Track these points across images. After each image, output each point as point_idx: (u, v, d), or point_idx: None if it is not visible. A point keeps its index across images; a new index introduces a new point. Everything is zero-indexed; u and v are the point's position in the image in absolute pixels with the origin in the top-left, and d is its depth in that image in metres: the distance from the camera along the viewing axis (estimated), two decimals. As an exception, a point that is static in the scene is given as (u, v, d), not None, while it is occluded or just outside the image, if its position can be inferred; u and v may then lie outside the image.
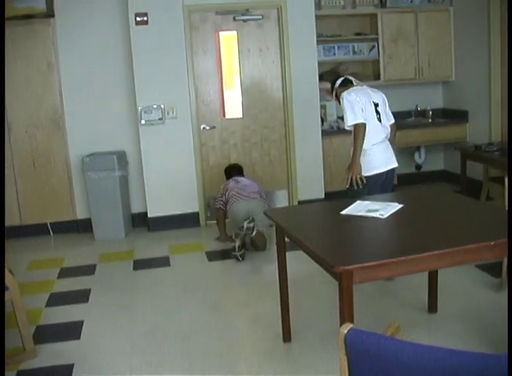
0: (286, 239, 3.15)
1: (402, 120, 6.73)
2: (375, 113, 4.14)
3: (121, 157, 5.87)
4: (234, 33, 5.97)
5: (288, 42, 5.94)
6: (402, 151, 6.81)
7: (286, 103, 6.08)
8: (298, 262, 3.70)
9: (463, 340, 3.23)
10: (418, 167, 7.21)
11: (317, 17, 6.06)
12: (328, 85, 4.61)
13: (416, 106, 6.95)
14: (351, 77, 4.42)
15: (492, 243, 2.49)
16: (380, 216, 2.98)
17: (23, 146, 5.83)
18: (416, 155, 7.11)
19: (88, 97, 5.90)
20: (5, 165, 5.63)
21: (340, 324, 2.12)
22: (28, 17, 5.54)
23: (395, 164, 4.28)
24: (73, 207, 6.02)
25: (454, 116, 6.84)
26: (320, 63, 6.21)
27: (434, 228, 2.84)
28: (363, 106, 4.07)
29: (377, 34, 6.57)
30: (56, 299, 4.29)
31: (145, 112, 5.78)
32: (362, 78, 6.45)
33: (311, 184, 6.18)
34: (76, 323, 3.81)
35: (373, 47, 6.64)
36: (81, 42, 5.81)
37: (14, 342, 3.34)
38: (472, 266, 4.27)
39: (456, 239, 2.63)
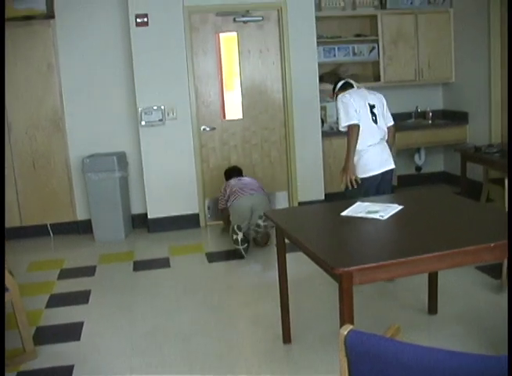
0: (286, 240, 3.15)
1: (402, 121, 6.75)
2: (370, 115, 4.17)
3: (121, 158, 5.87)
4: (234, 34, 5.98)
5: (288, 43, 5.95)
6: (402, 153, 6.82)
7: (286, 104, 6.09)
8: (298, 264, 3.70)
9: (463, 341, 3.23)
10: (418, 168, 7.21)
11: (317, 18, 6.07)
12: (329, 87, 4.65)
13: (416, 107, 6.95)
14: (351, 81, 4.45)
15: (492, 244, 2.50)
16: (380, 217, 2.98)
17: (23, 147, 5.84)
18: (416, 156, 7.11)
19: (88, 98, 5.90)
20: (5, 166, 5.63)
21: (340, 326, 2.12)
22: (28, 18, 5.55)
23: (392, 166, 4.28)
24: (73, 208, 6.03)
25: (454, 117, 6.84)
26: (320, 65, 6.21)
27: (434, 229, 2.84)
28: (357, 107, 4.10)
29: (377, 35, 6.58)
30: (56, 300, 4.29)
31: (145, 113, 5.79)
32: (362, 80, 6.49)
33: (311, 185, 6.18)
34: (76, 324, 3.81)
35: (373, 48, 6.64)
36: (82, 43, 5.81)
37: (14, 343, 3.34)
38: (472, 268, 4.27)
39: (455, 240, 2.63)
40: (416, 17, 6.63)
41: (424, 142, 6.78)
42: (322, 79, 6.19)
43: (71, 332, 3.69)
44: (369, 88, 4.48)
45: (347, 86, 4.37)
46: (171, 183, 5.91)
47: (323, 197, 6.15)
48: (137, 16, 5.64)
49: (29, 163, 5.86)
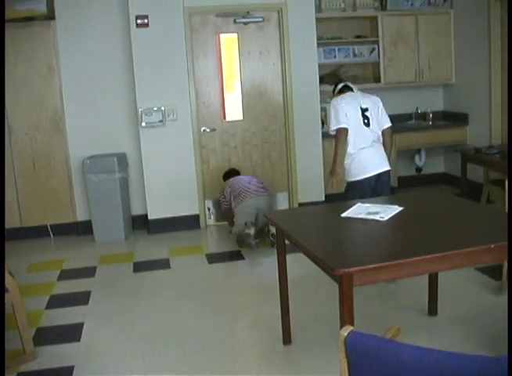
0: (287, 241, 3.15)
1: (402, 122, 6.76)
2: (362, 118, 4.24)
3: (122, 159, 5.87)
4: (234, 35, 5.98)
5: (288, 45, 5.95)
6: (403, 154, 6.83)
7: (286, 105, 6.09)
8: (298, 265, 3.70)
9: (462, 343, 3.23)
10: (418, 169, 7.21)
11: (317, 20, 6.07)
12: (330, 88, 4.73)
13: (417, 108, 6.96)
14: (351, 85, 4.51)
15: (492, 246, 2.50)
16: (381, 219, 2.98)
17: (24, 148, 5.84)
18: (417, 158, 7.11)
19: (88, 99, 5.90)
20: (6, 166, 5.63)
21: (341, 327, 2.12)
22: (29, 19, 5.55)
23: (386, 168, 4.31)
24: (73, 209, 6.02)
25: (454, 119, 6.84)
26: (320, 66, 6.21)
27: (435, 231, 2.84)
28: (347, 111, 4.20)
29: (378, 36, 6.58)
30: (56, 301, 4.29)
31: (145, 114, 5.79)
32: (363, 81, 6.51)
33: (311, 186, 6.18)
34: (76, 325, 3.81)
35: (374, 50, 6.64)
36: (82, 44, 5.81)
37: (14, 344, 3.34)
38: (472, 269, 4.26)
39: (456, 242, 2.63)
40: (417, 18, 6.63)
41: (425, 144, 6.78)
42: (322, 80, 6.19)
43: (71, 333, 3.69)
44: (369, 90, 4.53)
45: (345, 89, 4.45)
46: (171, 184, 5.91)
47: (323, 198, 6.15)
48: (137, 17, 5.64)
49: (29, 163, 5.86)
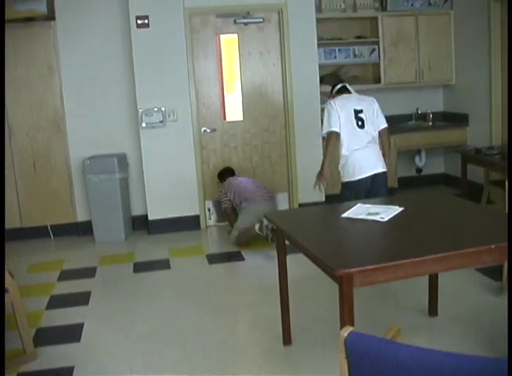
0: (287, 242, 3.15)
1: (402, 123, 6.76)
2: (355, 120, 4.25)
3: (122, 159, 5.87)
4: (235, 36, 5.98)
5: (289, 45, 5.95)
6: (403, 154, 6.83)
7: (286, 105, 6.09)
8: (299, 265, 3.69)
9: (463, 343, 3.23)
10: (418, 170, 7.21)
11: (318, 20, 6.07)
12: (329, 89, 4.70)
13: (417, 109, 6.96)
14: (349, 87, 4.52)
15: (493, 246, 2.49)
16: (381, 219, 2.98)
17: (24, 148, 5.84)
18: (417, 158, 7.11)
19: (88, 99, 5.90)
20: (6, 167, 5.63)
21: (341, 327, 2.12)
22: (29, 20, 5.55)
23: (381, 169, 4.31)
24: (73, 209, 6.02)
25: (455, 119, 6.84)
26: (321, 66, 6.21)
27: (435, 231, 2.84)
28: (340, 114, 4.22)
29: (378, 37, 6.58)
30: (57, 302, 4.29)
31: (145, 115, 5.79)
32: (363, 81, 6.51)
33: (311, 187, 6.12)
34: (76, 325, 3.81)
35: (374, 50, 6.65)
36: (82, 45, 5.81)
37: (14, 344, 3.34)
38: (472, 270, 4.26)
39: (456, 242, 2.63)
40: (417, 19, 6.63)
41: (425, 144, 6.78)
42: (322, 80, 6.19)
43: (71, 333, 3.69)
44: (369, 90, 4.53)
45: (343, 90, 4.47)
46: (171, 185, 5.91)
47: (324, 199, 6.14)
48: (138, 18, 5.64)
49: (29, 164, 5.86)
